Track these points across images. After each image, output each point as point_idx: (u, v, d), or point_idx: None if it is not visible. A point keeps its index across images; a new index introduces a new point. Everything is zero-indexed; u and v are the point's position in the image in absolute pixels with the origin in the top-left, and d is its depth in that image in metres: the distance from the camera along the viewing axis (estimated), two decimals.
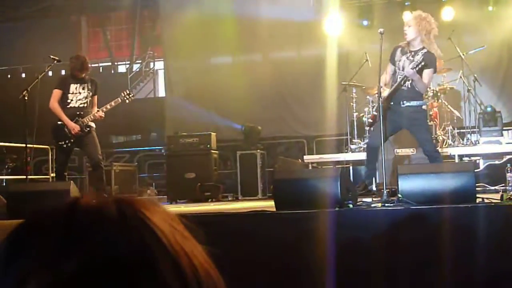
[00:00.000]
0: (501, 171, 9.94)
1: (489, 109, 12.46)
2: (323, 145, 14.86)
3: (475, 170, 8.48)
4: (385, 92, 7.76)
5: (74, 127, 9.17)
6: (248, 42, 16.14)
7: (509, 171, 9.02)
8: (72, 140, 9.26)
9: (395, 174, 8.58)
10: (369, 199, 7.39)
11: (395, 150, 9.89)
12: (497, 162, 11.02)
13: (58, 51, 11.00)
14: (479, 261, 5.06)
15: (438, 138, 10.80)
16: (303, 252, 5.28)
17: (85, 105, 9.33)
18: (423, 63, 7.61)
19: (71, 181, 7.72)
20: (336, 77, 13.91)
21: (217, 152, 12.53)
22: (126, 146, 19.12)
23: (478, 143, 11.93)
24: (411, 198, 5.92)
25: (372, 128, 8.65)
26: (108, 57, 23.06)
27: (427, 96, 11.28)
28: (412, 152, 10.58)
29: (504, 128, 12.67)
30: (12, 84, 18.36)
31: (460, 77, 12.25)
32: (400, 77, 7.71)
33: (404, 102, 7.68)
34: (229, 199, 12.62)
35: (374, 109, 8.22)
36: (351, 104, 12.02)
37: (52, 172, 13.18)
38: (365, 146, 9.99)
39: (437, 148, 10.39)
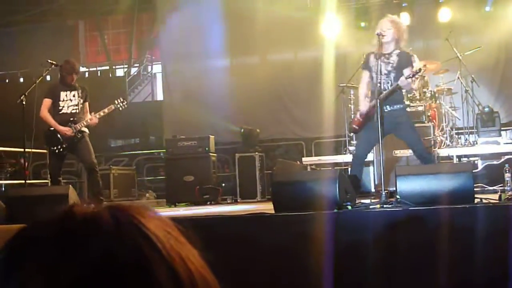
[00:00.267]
0: (499, 171, 9.95)
1: (487, 109, 12.48)
2: (321, 147, 14.88)
3: (473, 171, 8.49)
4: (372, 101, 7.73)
5: (65, 130, 9.17)
6: (245, 44, 16.16)
7: (507, 171, 9.05)
8: (64, 146, 9.26)
9: (388, 176, 8.60)
10: (367, 201, 7.39)
11: (393, 152, 9.89)
12: (495, 162, 11.02)
13: (56, 55, 11.01)
14: (478, 262, 5.06)
15: (436, 139, 10.80)
16: (302, 254, 5.28)
17: (77, 111, 9.34)
18: (417, 72, 7.66)
19: (70, 186, 7.72)
20: (333, 79, 13.91)
21: (215, 155, 12.53)
22: (125, 150, 19.12)
23: (476, 143, 11.95)
24: (410, 199, 5.92)
25: (357, 137, 8.53)
26: (106, 61, 23.04)
27: (425, 97, 11.30)
28: (410, 153, 10.59)
29: (502, 128, 12.69)
30: (10, 89, 18.38)
31: (458, 78, 12.27)
32: (385, 83, 7.65)
33: (387, 107, 7.63)
34: (228, 201, 12.61)
35: (359, 115, 8.07)
36: (349, 105, 12.02)
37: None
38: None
39: (435, 149, 10.42)
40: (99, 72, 22.77)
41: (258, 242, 5.59)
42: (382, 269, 5.19)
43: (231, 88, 15.96)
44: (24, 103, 8.89)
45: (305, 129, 15.92)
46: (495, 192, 8.89)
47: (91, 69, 23.01)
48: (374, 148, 9.12)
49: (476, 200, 6.02)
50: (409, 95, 10.97)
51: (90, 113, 9.46)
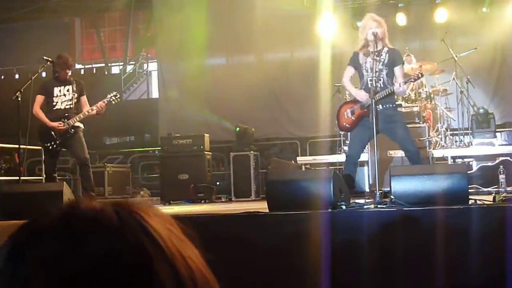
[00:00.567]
0: (494, 172, 9.95)
1: (481, 110, 12.50)
2: (316, 147, 14.88)
3: (468, 172, 8.49)
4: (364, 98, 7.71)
5: (57, 125, 9.13)
6: (241, 43, 16.17)
7: (501, 172, 9.05)
8: (58, 142, 9.23)
9: (382, 176, 8.59)
10: (362, 201, 7.38)
11: (387, 152, 9.89)
12: (490, 163, 11.03)
13: (51, 52, 10.97)
14: (472, 263, 5.07)
15: (431, 139, 10.81)
16: (295, 253, 5.28)
17: (71, 106, 9.27)
18: (418, 77, 7.68)
19: (64, 182, 7.70)
20: (329, 78, 13.91)
21: (210, 153, 12.53)
22: (120, 147, 19.11)
23: (471, 144, 11.97)
24: (404, 199, 5.92)
25: (349, 136, 8.48)
26: (102, 58, 23.03)
27: (420, 98, 11.31)
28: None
29: (497, 130, 12.71)
30: (5, 85, 18.37)
31: (453, 78, 12.29)
32: (376, 81, 7.61)
33: (379, 106, 7.60)
34: (222, 200, 12.62)
35: (350, 113, 8.02)
36: (345, 101, 12.00)
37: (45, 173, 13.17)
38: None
39: (430, 150, 10.43)
40: (94, 69, 22.76)
41: (252, 241, 5.59)
42: (376, 269, 5.19)
43: (226, 87, 15.96)
44: (19, 99, 8.87)
45: (300, 129, 15.92)
46: (489, 193, 8.90)
47: (86, 66, 23.01)
48: (369, 148, 9.11)
49: (470, 201, 6.02)
50: (404, 96, 10.98)
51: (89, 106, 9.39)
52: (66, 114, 9.22)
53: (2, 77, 21.52)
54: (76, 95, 9.33)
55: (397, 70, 7.61)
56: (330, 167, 11.21)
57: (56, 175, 9.54)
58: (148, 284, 0.87)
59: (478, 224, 5.25)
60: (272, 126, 16.02)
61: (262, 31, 15.64)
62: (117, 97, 9.46)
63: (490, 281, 5.05)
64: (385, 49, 7.67)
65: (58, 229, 0.90)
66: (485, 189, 9.89)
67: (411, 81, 7.73)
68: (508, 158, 10.83)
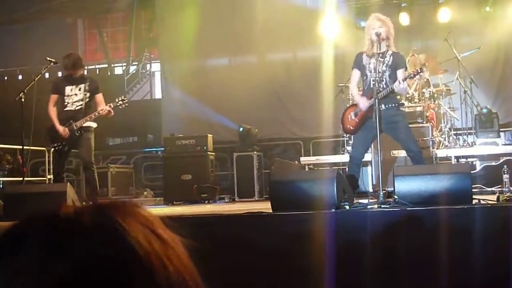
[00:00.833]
0: (497, 172, 9.95)
1: (485, 110, 12.48)
2: (319, 147, 14.87)
3: (472, 172, 8.49)
4: (366, 101, 7.71)
5: (62, 130, 9.10)
6: (244, 43, 16.15)
7: (505, 172, 9.04)
8: (64, 143, 9.19)
9: (386, 176, 8.58)
10: (365, 201, 7.38)
11: (391, 152, 9.89)
12: (493, 163, 11.02)
13: (54, 53, 10.98)
14: (476, 263, 5.06)
15: (434, 139, 10.80)
16: (299, 253, 5.27)
17: (81, 107, 9.19)
18: (418, 72, 7.70)
19: (68, 183, 7.72)
20: (332, 78, 13.90)
21: (213, 153, 12.54)
22: (123, 148, 19.11)
23: (475, 144, 11.95)
24: (408, 199, 5.92)
25: (353, 137, 8.48)
26: (105, 59, 23.04)
27: (423, 98, 11.30)
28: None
29: (500, 129, 12.69)
30: (9, 86, 18.39)
31: (457, 78, 12.27)
32: (379, 81, 7.61)
33: (382, 105, 7.59)
34: (226, 200, 12.60)
35: (354, 115, 8.01)
36: (348, 106, 11.99)
37: (49, 174, 13.17)
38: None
39: (433, 150, 10.42)
40: (97, 70, 22.77)
41: (255, 241, 5.58)
42: (379, 269, 5.19)
43: (229, 87, 15.94)
44: (22, 100, 8.86)
45: (303, 129, 15.90)
46: (493, 193, 8.89)
47: (89, 67, 22.99)
48: (372, 148, 9.10)
49: (474, 201, 6.01)
50: (407, 95, 10.97)
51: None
52: (74, 116, 9.15)
53: (5, 78, 21.53)
54: (88, 94, 9.26)
55: (399, 73, 7.61)
56: (333, 168, 11.20)
57: (64, 175, 9.50)
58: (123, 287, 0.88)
59: (481, 224, 5.24)
60: (275, 127, 16.00)
61: (264, 31, 15.62)
62: (124, 101, 9.32)
63: (494, 281, 5.05)
64: (390, 51, 7.68)
65: (41, 232, 0.91)
66: (489, 189, 9.89)
67: (411, 77, 7.72)
68: None
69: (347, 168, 8.12)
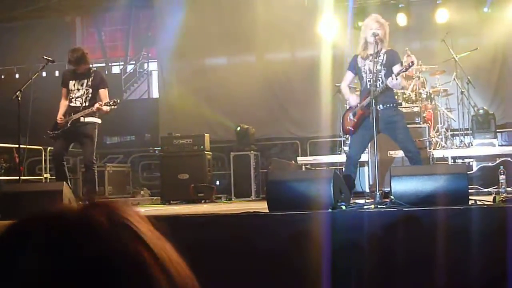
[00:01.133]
0: (494, 173, 9.95)
1: (482, 111, 12.49)
2: (317, 147, 14.87)
3: (468, 172, 8.50)
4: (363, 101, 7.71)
5: (59, 119, 9.10)
6: (242, 43, 16.15)
7: (502, 173, 9.05)
8: (57, 132, 9.11)
9: (383, 176, 8.58)
10: (362, 201, 7.38)
11: (388, 152, 9.89)
12: (490, 164, 11.03)
13: (52, 51, 10.99)
14: (472, 263, 5.07)
15: (431, 140, 10.81)
16: (296, 253, 5.28)
17: (81, 103, 9.07)
18: (410, 66, 7.71)
19: (64, 182, 7.69)
20: (330, 78, 13.90)
21: (210, 153, 12.53)
22: (120, 147, 19.11)
23: (472, 145, 11.97)
24: (404, 199, 5.93)
25: (350, 137, 8.49)
26: (102, 58, 23.02)
27: (420, 98, 11.30)
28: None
29: (497, 130, 12.71)
30: (6, 85, 18.37)
31: (454, 79, 12.29)
32: (376, 81, 7.61)
33: (380, 106, 7.58)
34: (222, 200, 12.60)
35: (352, 116, 8.01)
36: (345, 106, 11.95)
37: (45, 173, 13.18)
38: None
39: (430, 150, 10.42)
40: (95, 68, 22.70)
41: (252, 241, 5.58)
42: (376, 269, 5.19)
43: (227, 86, 15.95)
44: (19, 99, 8.82)
45: (301, 129, 15.91)
46: (489, 194, 8.90)
47: None
48: (369, 148, 9.11)
49: (470, 202, 6.02)
50: (404, 96, 10.98)
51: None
52: (75, 111, 9.06)
53: (2, 76, 21.51)
54: (90, 90, 9.17)
55: (395, 68, 7.60)
56: (330, 167, 11.20)
57: (64, 163, 9.27)
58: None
59: (478, 225, 5.25)
60: (273, 126, 16.00)
61: (263, 30, 15.63)
62: (116, 102, 9.11)
63: (490, 281, 5.05)
64: (383, 50, 7.67)
65: (49, 232, 0.89)
66: (485, 190, 9.90)
67: (403, 71, 7.70)
68: (508, 158, 10.84)
69: (344, 168, 8.11)
